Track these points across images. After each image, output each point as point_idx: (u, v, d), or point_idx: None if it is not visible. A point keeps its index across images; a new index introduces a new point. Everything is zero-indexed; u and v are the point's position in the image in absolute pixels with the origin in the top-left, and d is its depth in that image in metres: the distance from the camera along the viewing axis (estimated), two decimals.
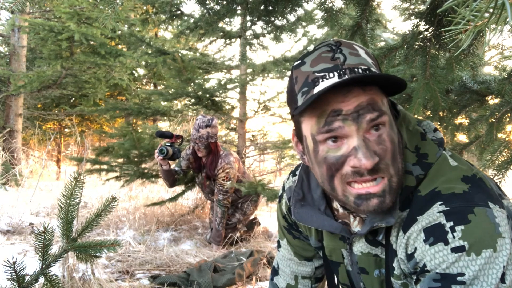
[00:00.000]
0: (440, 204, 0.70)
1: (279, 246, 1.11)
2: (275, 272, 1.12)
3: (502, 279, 0.66)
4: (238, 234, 3.35)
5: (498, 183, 1.02)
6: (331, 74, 0.69)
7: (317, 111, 0.70)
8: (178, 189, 3.82)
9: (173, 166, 3.29)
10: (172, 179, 3.24)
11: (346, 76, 0.68)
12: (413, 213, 0.73)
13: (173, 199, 3.70)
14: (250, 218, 3.52)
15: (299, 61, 0.76)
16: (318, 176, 0.77)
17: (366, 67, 0.70)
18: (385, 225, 0.75)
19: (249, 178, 3.37)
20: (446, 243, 0.68)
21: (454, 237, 0.67)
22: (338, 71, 0.69)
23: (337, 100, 0.68)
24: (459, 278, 0.66)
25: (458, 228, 0.67)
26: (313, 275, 1.06)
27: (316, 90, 0.69)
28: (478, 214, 0.68)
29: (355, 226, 0.86)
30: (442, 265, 0.67)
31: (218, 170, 3.11)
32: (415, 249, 0.72)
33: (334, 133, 0.70)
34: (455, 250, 0.67)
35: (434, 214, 0.70)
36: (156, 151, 3.01)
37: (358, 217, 0.85)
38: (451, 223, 0.68)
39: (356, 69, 0.69)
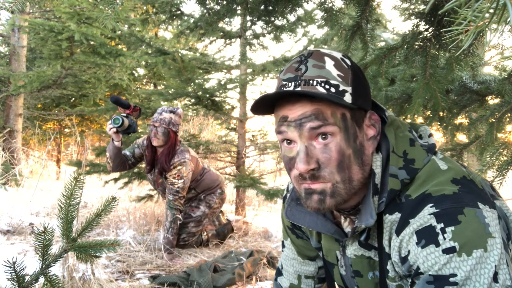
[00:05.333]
0: (430, 206, 0.71)
1: (283, 246, 1.12)
2: (279, 272, 1.12)
3: (495, 279, 0.66)
4: (205, 236, 3.10)
5: (497, 184, 1.03)
6: (289, 84, 0.77)
7: (276, 115, 0.81)
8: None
9: (125, 150, 2.95)
10: (119, 160, 2.80)
11: (299, 88, 0.75)
12: (406, 216, 0.74)
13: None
14: (223, 223, 3.30)
15: (282, 68, 0.84)
16: None
17: (324, 80, 0.75)
18: (364, 226, 0.78)
19: (213, 175, 3.12)
20: (437, 244, 0.68)
21: (444, 238, 0.68)
22: (295, 82, 0.76)
23: (287, 108, 0.77)
24: (451, 279, 0.66)
25: (449, 229, 0.68)
26: (316, 275, 1.07)
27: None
28: (467, 214, 0.69)
29: (346, 227, 0.88)
30: (434, 267, 0.68)
31: (169, 167, 2.80)
32: (408, 252, 0.73)
33: (282, 136, 0.79)
34: (446, 251, 0.67)
35: (425, 216, 0.71)
36: (109, 122, 2.61)
37: (349, 218, 0.87)
38: (442, 225, 0.69)
39: (311, 81, 0.75)
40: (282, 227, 1.10)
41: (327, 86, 0.75)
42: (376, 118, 0.81)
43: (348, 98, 0.75)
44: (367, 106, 0.80)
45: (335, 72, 0.76)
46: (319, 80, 0.75)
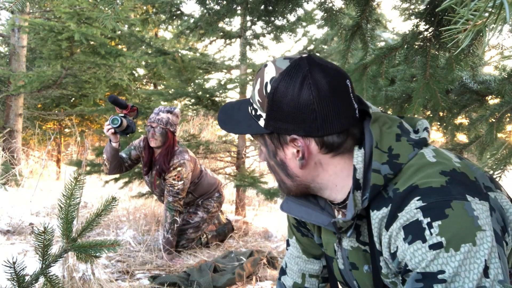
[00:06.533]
0: (417, 200, 0.70)
1: (288, 245, 1.11)
2: (282, 271, 1.12)
3: (486, 273, 0.64)
4: (204, 239, 3.07)
5: (496, 178, 1.02)
6: None
7: None
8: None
9: (121, 152, 2.86)
10: (116, 162, 2.73)
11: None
12: (394, 210, 0.73)
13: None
14: (223, 222, 3.28)
15: None
16: None
17: (251, 101, 0.86)
18: (341, 221, 0.80)
19: (210, 179, 3.08)
20: (424, 240, 0.67)
21: (431, 233, 0.66)
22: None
23: None
24: (439, 276, 0.65)
25: (435, 224, 0.66)
26: (320, 274, 1.07)
27: None
28: (455, 208, 0.67)
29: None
30: (422, 264, 0.67)
31: (169, 168, 2.75)
32: (397, 248, 0.72)
33: None
34: (433, 247, 0.66)
35: (412, 210, 0.69)
36: (107, 123, 2.53)
37: (340, 211, 0.88)
38: (428, 219, 0.67)
39: (250, 100, 0.87)
40: (288, 225, 1.10)
41: (251, 108, 0.86)
42: (301, 143, 0.79)
43: (261, 122, 0.83)
44: (288, 131, 0.79)
45: (256, 97, 0.83)
46: (250, 100, 0.87)
